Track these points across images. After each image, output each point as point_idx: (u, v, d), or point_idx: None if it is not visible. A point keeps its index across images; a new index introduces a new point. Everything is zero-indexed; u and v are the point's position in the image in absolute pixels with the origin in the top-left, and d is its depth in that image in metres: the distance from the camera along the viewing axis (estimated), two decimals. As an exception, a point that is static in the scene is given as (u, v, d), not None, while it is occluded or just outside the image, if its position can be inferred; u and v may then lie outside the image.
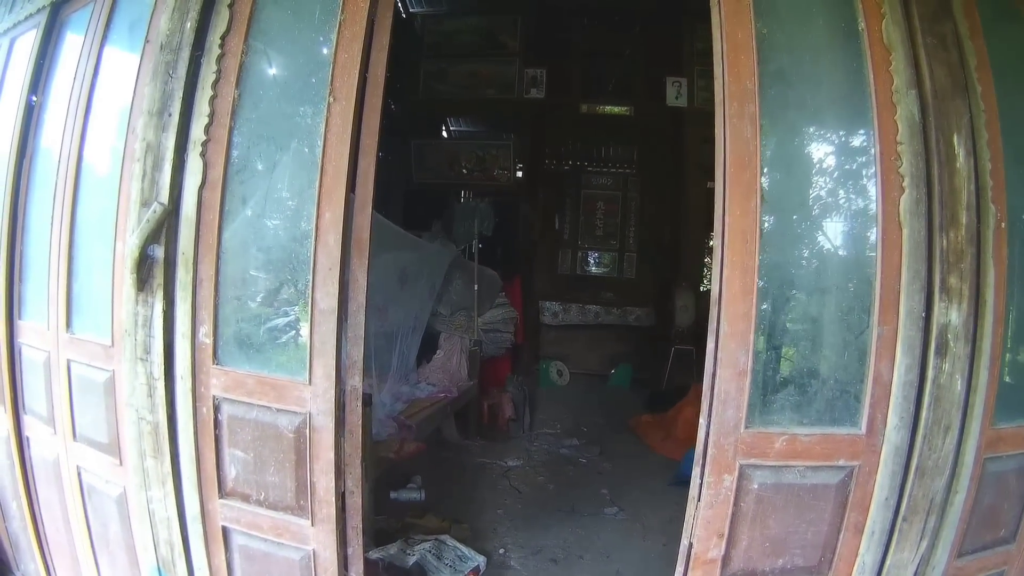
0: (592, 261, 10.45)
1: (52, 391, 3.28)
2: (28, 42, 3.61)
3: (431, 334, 7.00)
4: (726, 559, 2.54)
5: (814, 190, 2.66)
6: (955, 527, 2.60)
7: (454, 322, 7.03)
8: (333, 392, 2.60)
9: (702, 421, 2.51)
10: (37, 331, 3.35)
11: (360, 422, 2.69)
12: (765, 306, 2.49)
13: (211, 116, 2.74)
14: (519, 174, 9.99)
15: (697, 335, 8.71)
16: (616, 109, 9.72)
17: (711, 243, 14.62)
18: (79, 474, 3.22)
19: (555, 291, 9.99)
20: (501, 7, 9.55)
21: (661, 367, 8.91)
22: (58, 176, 3.24)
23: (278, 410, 2.67)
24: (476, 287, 7.03)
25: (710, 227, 12.17)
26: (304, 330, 2.66)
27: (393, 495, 5.15)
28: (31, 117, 3.50)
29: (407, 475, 5.38)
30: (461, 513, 5.08)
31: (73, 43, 3.42)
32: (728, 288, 2.45)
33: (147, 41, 2.96)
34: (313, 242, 2.62)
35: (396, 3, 7.28)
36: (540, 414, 7.89)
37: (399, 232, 6.28)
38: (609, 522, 5.18)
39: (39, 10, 3.57)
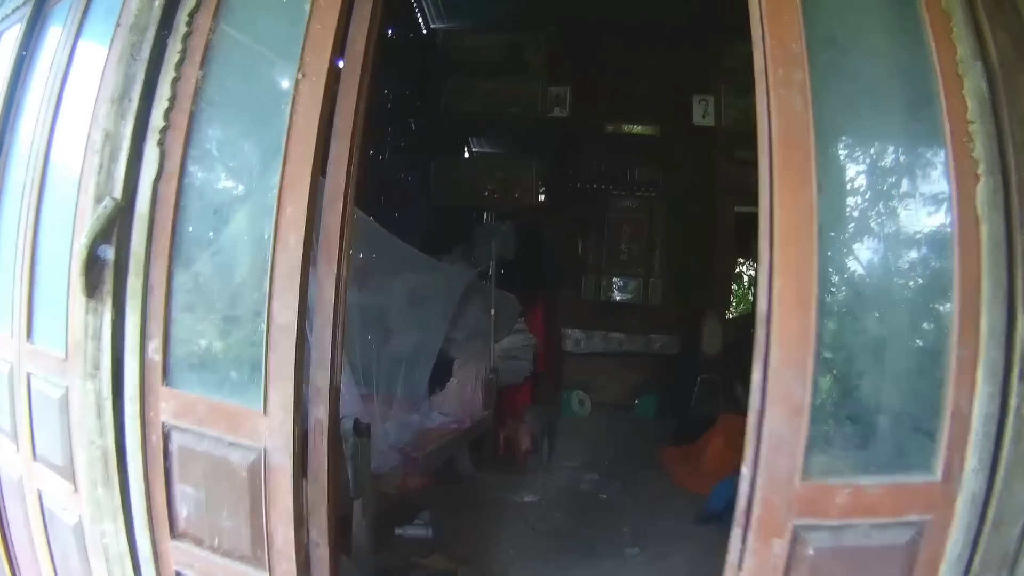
0: (616, 287, 10.02)
1: (15, 406, 2.98)
2: (14, 35, 3.39)
3: (445, 360, 6.56)
4: (775, 643, 2.02)
5: (875, 178, 2.18)
6: (1027, 582, 2.08)
7: (469, 348, 6.57)
8: (291, 426, 2.16)
9: (745, 471, 2.01)
10: (1, 340, 3.05)
11: (327, 463, 2.24)
12: (826, 324, 2.00)
13: (172, 100, 2.38)
14: (542, 196, 9.62)
15: (725, 364, 8.33)
16: (641, 129, 9.34)
17: (740, 269, 14.25)
18: (40, 497, 2.91)
19: (578, 318, 9.53)
20: (525, 24, 9.24)
21: (687, 397, 8.41)
22: (27, 174, 2.96)
23: (230, 443, 2.26)
24: (493, 312, 6.56)
25: (739, 252, 11.84)
26: (259, 349, 2.24)
27: (398, 531, 4.71)
28: (9, 113, 3.25)
29: (415, 510, 4.94)
30: (471, 552, 4.67)
31: (53, 35, 3.18)
32: (781, 302, 1.95)
33: (118, 25, 2.64)
34: (272, 243, 2.21)
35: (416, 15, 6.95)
36: (560, 446, 7.41)
37: (408, 250, 5.86)
38: (630, 563, 4.74)
39: (25, 2, 3.32)
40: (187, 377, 2.36)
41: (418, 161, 9.58)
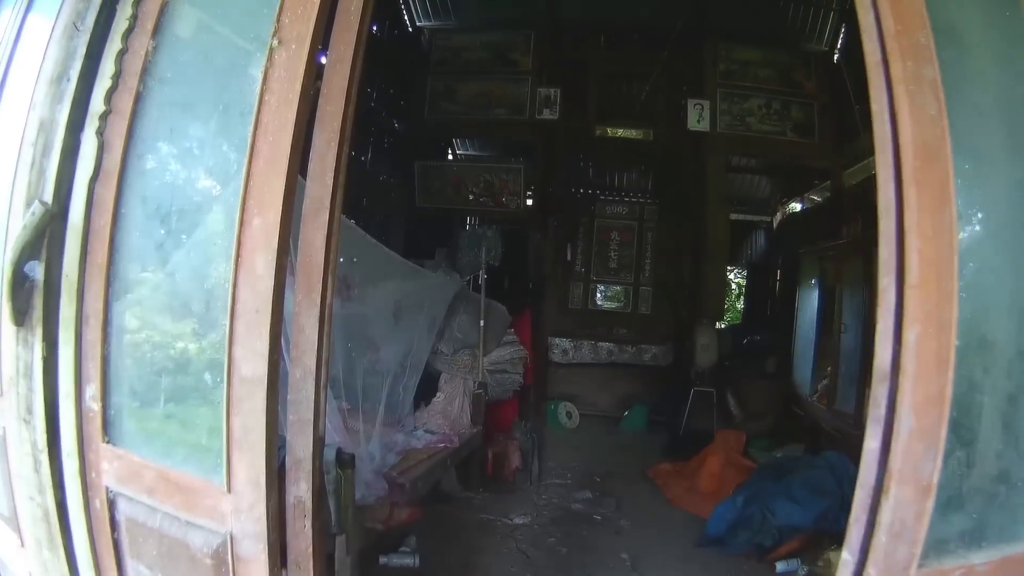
0: (605, 295, 9.72)
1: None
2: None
3: (430, 374, 6.03)
4: None
5: (1004, 203, 1.70)
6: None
7: (457, 362, 6.02)
8: (264, 507, 1.61)
9: (847, 557, 1.51)
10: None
11: (311, 548, 1.69)
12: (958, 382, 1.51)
13: (116, 78, 1.85)
14: (529, 201, 9.13)
15: (718, 376, 7.93)
16: (633, 133, 8.87)
17: (731, 276, 13.83)
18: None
19: (565, 327, 9.12)
20: (514, 23, 8.84)
21: (679, 410, 7.99)
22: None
23: (187, 523, 1.72)
24: (482, 323, 6.03)
25: (732, 260, 11.41)
26: (219, 407, 1.66)
27: (383, 560, 4.17)
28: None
29: (400, 535, 4.38)
30: (461, 583, 4.16)
31: (5, 16, 2.55)
32: (918, 357, 1.44)
33: (68, -8, 2.09)
34: (233, 266, 1.63)
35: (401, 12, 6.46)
36: (549, 461, 6.93)
37: (393, 258, 5.28)
38: (632, 594, 4.26)
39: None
40: (132, 434, 1.83)
41: (401, 163, 9.10)
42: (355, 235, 4.52)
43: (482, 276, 6.27)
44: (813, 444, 6.48)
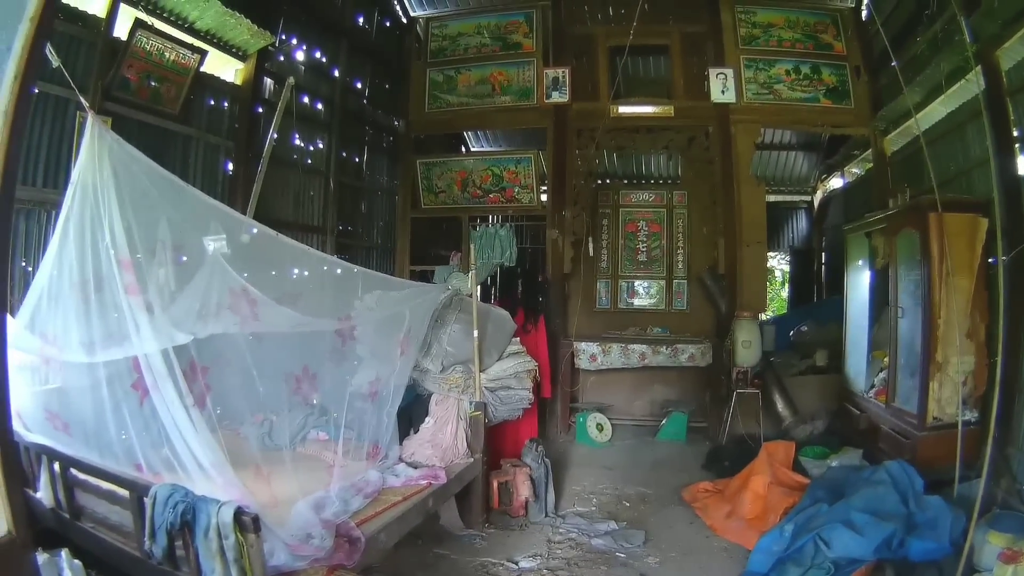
0: (635, 292, 8.70)
1: None
2: None
3: (421, 396, 5.02)
4: None
5: None
6: None
7: (448, 380, 4.95)
8: None
9: None
10: None
11: None
12: None
13: None
14: (543, 195, 8.11)
15: (764, 375, 6.89)
16: (653, 111, 7.70)
17: (774, 263, 12.49)
18: None
19: (592, 329, 8.11)
20: (512, 2, 8.03)
21: (720, 415, 6.92)
22: None
23: None
24: (476, 333, 4.94)
25: (774, 245, 10.22)
26: None
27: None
28: None
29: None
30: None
31: None
32: None
33: None
34: None
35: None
36: (574, 484, 5.90)
37: (335, 264, 4.29)
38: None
39: None
40: None
41: (402, 162, 8.36)
42: (271, 242, 3.56)
43: (472, 279, 5.21)
44: (872, 449, 5.43)
